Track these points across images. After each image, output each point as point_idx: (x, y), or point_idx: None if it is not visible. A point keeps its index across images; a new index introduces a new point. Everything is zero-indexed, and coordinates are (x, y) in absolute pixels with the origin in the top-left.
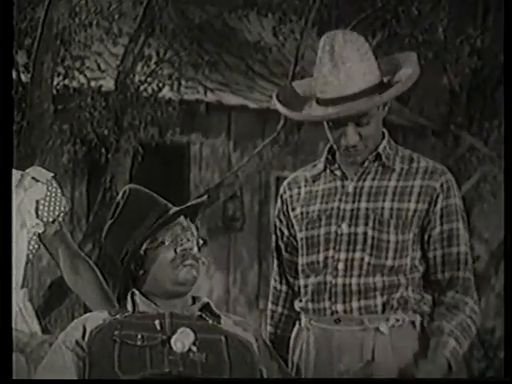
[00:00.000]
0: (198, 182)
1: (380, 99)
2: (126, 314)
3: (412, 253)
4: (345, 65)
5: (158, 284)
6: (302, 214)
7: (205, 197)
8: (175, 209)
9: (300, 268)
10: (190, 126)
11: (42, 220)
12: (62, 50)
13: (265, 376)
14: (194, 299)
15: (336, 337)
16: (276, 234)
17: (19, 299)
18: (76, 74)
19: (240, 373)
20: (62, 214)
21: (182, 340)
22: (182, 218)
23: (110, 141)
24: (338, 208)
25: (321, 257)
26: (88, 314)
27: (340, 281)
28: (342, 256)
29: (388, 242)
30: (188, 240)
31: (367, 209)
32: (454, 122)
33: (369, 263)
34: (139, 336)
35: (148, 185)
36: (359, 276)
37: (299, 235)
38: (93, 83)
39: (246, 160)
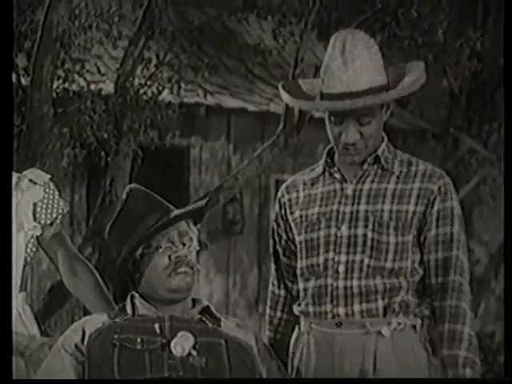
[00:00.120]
0: (198, 185)
1: (387, 96)
2: (126, 317)
3: (412, 255)
4: (354, 62)
5: (152, 289)
6: (301, 217)
7: (204, 200)
8: (176, 212)
9: (299, 271)
10: (190, 129)
11: (39, 223)
12: (62, 53)
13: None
14: (194, 302)
15: (337, 340)
16: (274, 238)
17: (18, 303)
18: (76, 77)
19: (240, 377)
20: (60, 217)
21: (182, 344)
22: (179, 222)
23: (110, 144)
24: (338, 210)
25: (321, 259)
26: (87, 317)
27: (341, 283)
28: (343, 258)
29: (388, 243)
30: (184, 245)
31: (366, 211)
32: (454, 125)
33: (368, 265)
34: (139, 340)
35: (148, 188)
36: (360, 278)
37: (298, 239)
38: (92, 86)
39: (246, 163)
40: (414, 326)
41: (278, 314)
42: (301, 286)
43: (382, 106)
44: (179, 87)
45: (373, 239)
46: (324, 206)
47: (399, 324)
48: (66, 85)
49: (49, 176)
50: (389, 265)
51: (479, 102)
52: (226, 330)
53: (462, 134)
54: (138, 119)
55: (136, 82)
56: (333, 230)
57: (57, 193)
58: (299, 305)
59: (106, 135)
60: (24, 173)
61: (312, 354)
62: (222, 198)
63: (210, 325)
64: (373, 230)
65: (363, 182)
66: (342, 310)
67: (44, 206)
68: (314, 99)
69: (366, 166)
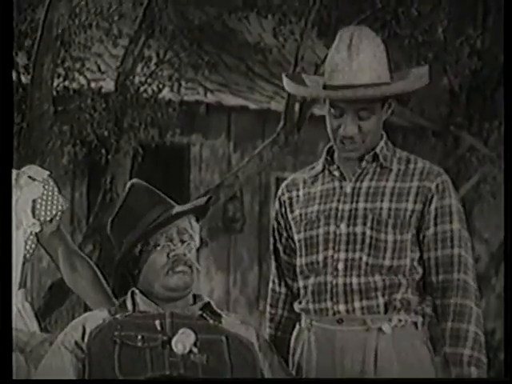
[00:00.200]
0: (198, 182)
1: (387, 89)
2: (127, 313)
3: (411, 254)
4: (359, 56)
5: (150, 286)
6: (300, 215)
7: (206, 197)
8: (178, 209)
9: (298, 269)
10: (190, 127)
11: (38, 219)
12: (62, 51)
13: (266, 376)
14: (195, 298)
15: (338, 337)
16: (274, 236)
17: (17, 300)
18: (76, 75)
19: (241, 374)
20: (59, 213)
21: (183, 341)
22: (180, 219)
23: (110, 142)
24: (337, 208)
25: (320, 257)
26: (87, 314)
27: (341, 280)
28: (342, 256)
29: (386, 241)
30: (183, 243)
31: (365, 209)
32: (454, 123)
33: (367, 263)
34: (139, 337)
35: None
36: (359, 276)
37: (297, 237)
38: (93, 84)
39: (246, 161)
40: (416, 323)
41: (279, 311)
42: (301, 283)
43: (382, 103)
44: (179, 85)
45: (371, 237)
46: (323, 204)
47: (400, 321)
48: (67, 83)
49: (48, 172)
50: (387, 263)
51: (479, 100)
52: (227, 326)
53: (463, 132)
54: (138, 117)
55: (136, 80)
56: (332, 228)
57: (56, 189)
58: (300, 302)
59: (106, 133)
60: (23, 169)
61: (313, 350)
62: (222, 196)
63: (210, 321)
64: (371, 228)
65: (362, 180)
66: (342, 307)
67: (43, 203)
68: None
69: (364, 164)
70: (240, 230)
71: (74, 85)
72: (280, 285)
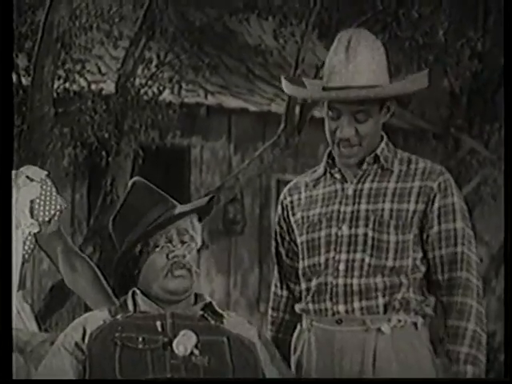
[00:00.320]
0: (199, 185)
1: (381, 90)
2: (127, 314)
3: (413, 253)
4: (356, 58)
5: (149, 287)
6: (302, 218)
7: (207, 197)
8: (180, 209)
9: (301, 272)
10: (191, 129)
11: (37, 220)
12: (63, 53)
13: (267, 373)
14: (197, 298)
15: (338, 338)
16: (277, 239)
17: (17, 301)
18: (76, 77)
19: (242, 375)
20: (58, 213)
21: (185, 343)
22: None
23: (111, 144)
24: (339, 210)
25: (322, 259)
26: (88, 314)
27: (341, 281)
28: (343, 257)
29: (388, 242)
30: (183, 244)
31: (367, 210)
32: (455, 125)
33: (369, 264)
34: (140, 339)
35: None
36: (360, 277)
37: (300, 239)
38: (93, 86)
39: (247, 163)
40: (415, 324)
41: (281, 314)
42: (303, 285)
43: (381, 106)
44: (180, 87)
45: (373, 238)
46: (325, 207)
47: (399, 321)
48: (67, 85)
49: (45, 172)
50: (389, 263)
51: (480, 103)
52: (229, 326)
53: (463, 135)
54: (138, 119)
55: (137, 82)
56: (334, 230)
57: (54, 189)
58: (300, 303)
59: (106, 135)
60: (21, 169)
61: (313, 351)
62: (222, 198)
63: (212, 322)
64: (373, 229)
65: (363, 182)
66: (341, 308)
67: (41, 203)
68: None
69: (365, 166)
70: (240, 232)
71: (75, 87)
72: (282, 288)
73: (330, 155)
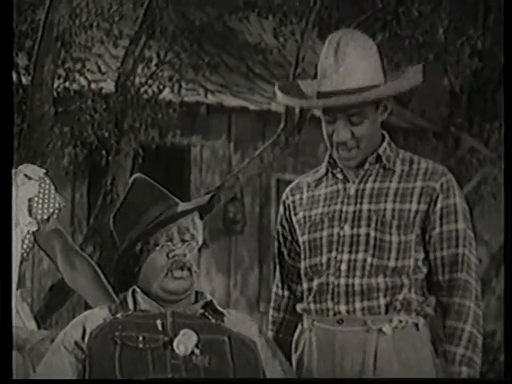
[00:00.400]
0: (199, 184)
1: (375, 92)
2: (127, 312)
3: (415, 254)
4: (345, 61)
5: (149, 286)
6: (304, 218)
7: (208, 196)
8: (182, 207)
9: (303, 272)
10: (191, 128)
11: (35, 218)
12: (63, 52)
13: (268, 371)
14: (197, 296)
15: (338, 338)
16: (279, 240)
17: (16, 300)
18: (77, 76)
19: (243, 375)
20: (56, 211)
21: (185, 343)
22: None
23: (111, 143)
24: (341, 210)
25: (324, 258)
26: (87, 312)
27: (343, 281)
28: (345, 257)
29: (390, 242)
30: (183, 243)
31: (369, 210)
32: (455, 124)
33: (371, 264)
34: (140, 338)
35: None
36: (362, 277)
37: (301, 239)
38: (93, 85)
39: (247, 162)
40: (417, 325)
41: (282, 314)
42: (305, 285)
43: (376, 106)
44: (180, 86)
45: (375, 238)
46: (327, 207)
47: (400, 322)
48: (67, 84)
49: (44, 171)
50: (391, 263)
51: (480, 101)
52: (230, 325)
53: (463, 133)
54: (138, 118)
55: (137, 80)
56: (336, 230)
57: (52, 187)
58: (302, 303)
59: (106, 134)
60: (19, 168)
61: (314, 350)
62: (222, 197)
63: (212, 320)
64: (375, 229)
65: (365, 182)
66: (343, 308)
67: (40, 202)
68: (311, 99)
69: (367, 166)
70: (240, 232)
71: (75, 86)
72: (283, 288)
73: (331, 155)
